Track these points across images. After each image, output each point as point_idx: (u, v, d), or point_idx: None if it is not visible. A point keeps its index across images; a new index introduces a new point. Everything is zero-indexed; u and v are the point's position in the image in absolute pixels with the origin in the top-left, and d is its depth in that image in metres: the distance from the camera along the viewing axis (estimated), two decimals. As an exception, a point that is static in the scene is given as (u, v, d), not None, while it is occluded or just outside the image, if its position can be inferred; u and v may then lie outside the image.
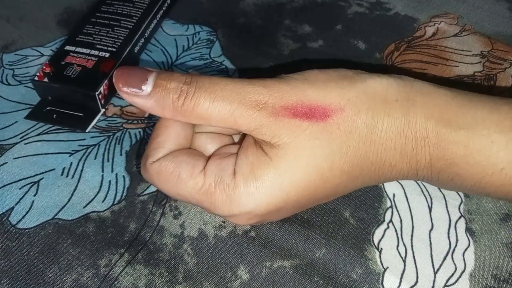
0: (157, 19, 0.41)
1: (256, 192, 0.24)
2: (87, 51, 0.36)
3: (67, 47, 0.36)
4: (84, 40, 0.37)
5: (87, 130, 0.34)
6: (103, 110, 0.35)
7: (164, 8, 0.42)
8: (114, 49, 0.36)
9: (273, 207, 0.24)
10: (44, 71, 0.35)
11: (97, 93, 0.34)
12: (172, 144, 0.26)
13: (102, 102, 0.35)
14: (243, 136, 0.27)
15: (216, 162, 0.25)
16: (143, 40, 0.39)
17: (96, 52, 0.36)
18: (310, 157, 0.24)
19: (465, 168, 0.24)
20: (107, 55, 0.36)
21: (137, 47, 0.38)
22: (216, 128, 0.28)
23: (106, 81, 0.34)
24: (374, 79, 0.25)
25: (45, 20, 0.43)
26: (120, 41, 0.37)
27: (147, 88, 0.24)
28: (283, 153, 0.24)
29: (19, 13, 0.44)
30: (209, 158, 0.26)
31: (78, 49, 0.36)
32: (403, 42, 0.40)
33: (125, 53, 0.36)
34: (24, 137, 0.34)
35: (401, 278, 0.27)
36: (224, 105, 0.24)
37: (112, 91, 0.36)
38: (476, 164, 0.24)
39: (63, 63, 0.35)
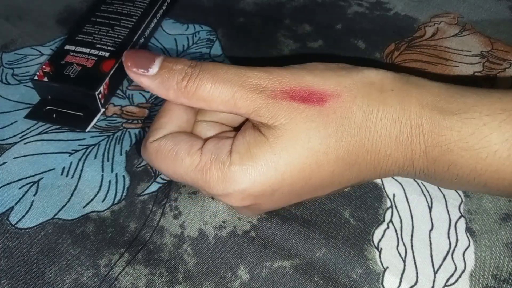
0: (157, 18, 0.41)
1: (251, 169, 0.24)
2: (87, 50, 0.36)
3: (67, 47, 0.36)
4: (84, 39, 0.37)
5: (87, 130, 0.34)
6: (103, 109, 0.35)
7: (164, 8, 0.42)
8: (114, 49, 0.36)
9: (267, 187, 0.25)
10: (44, 70, 0.35)
11: (97, 92, 0.34)
12: (173, 126, 0.27)
13: (102, 101, 0.35)
14: (242, 125, 0.28)
15: (213, 141, 0.26)
16: (143, 39, 0.39)
17: (96, 52, 0.36)
18: (306, 139, 0.24)
19: (459, 154, 0.24)
20: (107, 54, 0.36)
21: (137, 47, 0.38)
22: (218, 117, 0.28)
23: (106, 81, 0.34)
24: (371, 70, 0.26)
25: (45, 19, 0.43)
26: (120, 40, 0.37)
27: (154, 69, 0.25)
28: (280, 134, 0.24)
29: (19, 12, 0.44)
30: (207, 140, 0.27)
31: (78, 49, 0.36)
32: (403, 42, 0.40)
33: (120, 52, 0.36)
34: (24, 137, 0.34)
35: (401, 278, 0.27)
36: (226, 87, 0.25)
37: (111, 91, 0.36)
38: (470, 149, 0.24)
39: (63, 62, 0.35)
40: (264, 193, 0.25)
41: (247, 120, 0.27)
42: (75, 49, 0.36)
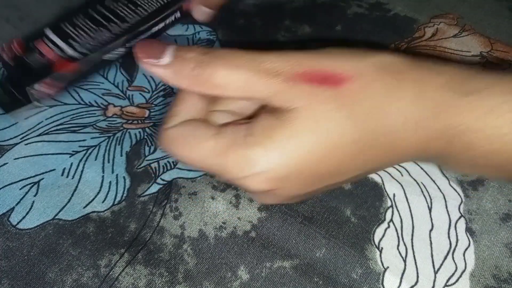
0: (148, 35, 0.38)
1: (268, 151, 0.24)
2: (61, 43, 0.34)
3: (46, 30, 0.34)
4: (67, 30, 0.34)
5: (9, 114, 0.34)
6: (38, 104, 0.34)
7: (166, 23, 0.39)
8: (84, 51, 0.34)
9: (284, 169, 0.25)
10: (14, 48, 0.33)
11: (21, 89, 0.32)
12: (188, 115, 0.27)
13: (36, 97, 0.33)
14: (255, 113, 0.28)
15: (230, 126, 0.26)
16: (123, 49, 0.36)
17: (66, 47, 0.33)
18: (322, 121, 0.24)
19: (475, 134, 0.24)
20: (76, 55, 0.33)
21: (109, 55, 0.36)
22: (230, 106, 0.28)
23: (47, 80, 0.33)
24: (387, 54, 0.26)
25: (45, 20, 0.43)
26: (95, 46, 0.34)
27: (166, 58, 0.25)
28: (296, 116, 0.24)
29: (19, 13, 0.44)
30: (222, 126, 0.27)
31: (53, 37, 0.34)
32: (402, 43, 0.40)
33: (87, 58, 0.34)
34: (25, 138, 0.34)
35: (401, 278, 0.27)
36: (240, 73, 0.24)
37: (59, 90, 0.34)
38: (486, 128, 0.24)
39: (32, 45, 0.33)
40: (281, 176, 0.25)
41: (260, 107, 0.27)
42: (50, 37, 0.34)
